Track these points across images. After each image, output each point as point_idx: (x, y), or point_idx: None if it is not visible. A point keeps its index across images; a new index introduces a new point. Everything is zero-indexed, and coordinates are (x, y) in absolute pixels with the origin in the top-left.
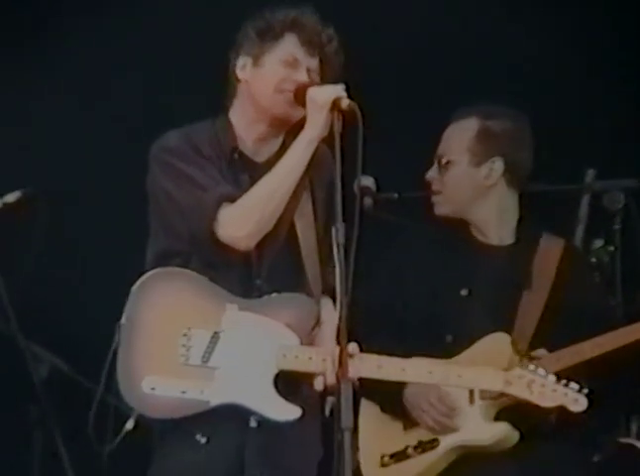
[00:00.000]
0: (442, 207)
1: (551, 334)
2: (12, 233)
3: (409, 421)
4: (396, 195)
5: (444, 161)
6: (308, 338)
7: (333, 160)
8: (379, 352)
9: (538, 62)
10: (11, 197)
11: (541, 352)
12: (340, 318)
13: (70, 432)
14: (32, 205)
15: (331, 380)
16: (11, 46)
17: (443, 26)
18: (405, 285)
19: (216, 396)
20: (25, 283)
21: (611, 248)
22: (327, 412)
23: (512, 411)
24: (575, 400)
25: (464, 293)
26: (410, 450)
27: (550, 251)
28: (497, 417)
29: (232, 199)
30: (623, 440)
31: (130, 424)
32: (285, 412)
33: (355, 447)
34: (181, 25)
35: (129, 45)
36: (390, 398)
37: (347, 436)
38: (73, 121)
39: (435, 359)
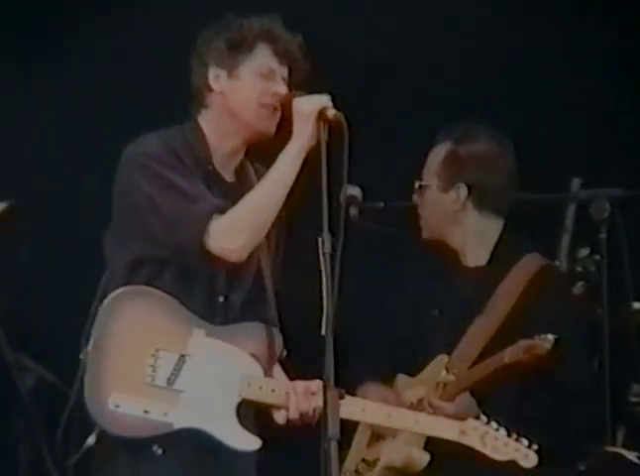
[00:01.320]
0: (424, 231)
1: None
2: None
3: (374, 438)
4: (382, 205)
5: (417, 185)
6: (271, 369)
7: (316, 171)
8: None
9: (522, 72)
10: None
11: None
12: (326, 328)
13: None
14: (16, 217)
15: (293, 415)
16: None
17: (431, 36)
18: (389, 302)
19: (179, 419)
20: (10, 294)
21: (597, 257)
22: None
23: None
24: (525, 455)
25: (435, 312)
26: (360, 467)
27: (522, 272)
28: (428, 442)
29: (222, 211)
30: (610, 449)
31: (92, 440)
32: (246, 442)
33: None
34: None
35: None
36: None
37: (333, 446)
38: (58, 132)
39: (396, 406)
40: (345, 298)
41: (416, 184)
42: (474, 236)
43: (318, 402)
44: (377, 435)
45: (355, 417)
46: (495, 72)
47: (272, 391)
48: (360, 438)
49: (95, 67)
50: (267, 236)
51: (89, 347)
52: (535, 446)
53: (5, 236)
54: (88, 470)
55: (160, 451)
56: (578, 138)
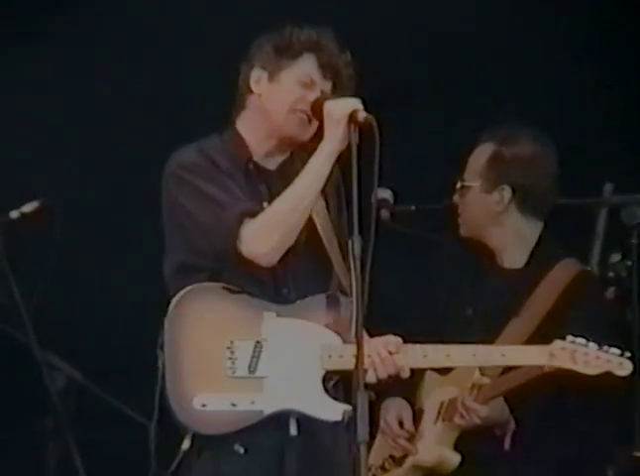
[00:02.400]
0: (463, 229)
1: None
2: (29, 243)
3: None
4: (414, 208)
5: (460, 185)
6: (348, 336)
7: (347, 174)
8: None
9: (556, 77)
10: (28, 208)
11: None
12: (356, 330)
13: (86, 443)
14: (49, 215)
15: (381, 374)
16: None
17: (463, 38)
18: (420, 302)
19: (268, 404)
20: (42, 293)
21: (629, 262)
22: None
23: (471, 436)
24: (619, 364)
25: (469, 312)
26: (387, 464)
27: (559, 277)
28: (458, 442)
29: (253, 215)
30: (637, 454)
31: (186, 444)
32: (337, 411)
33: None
34: (192, 36)
35: (140, 60)
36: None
37: (362, 450)
38: (89, 132)
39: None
40: (375, 301)
41: (458, 184)
42: (513, 238)
43: (401, 359)
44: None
45: (419, 365)
46: (529, 77)
47: (354, 356)
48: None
49: (135, 74)
50: (332, 220)
51: (164, 351)
52: (628, 354)
53: (35, 235)
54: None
55: (242, 450)
56: (610, 143)
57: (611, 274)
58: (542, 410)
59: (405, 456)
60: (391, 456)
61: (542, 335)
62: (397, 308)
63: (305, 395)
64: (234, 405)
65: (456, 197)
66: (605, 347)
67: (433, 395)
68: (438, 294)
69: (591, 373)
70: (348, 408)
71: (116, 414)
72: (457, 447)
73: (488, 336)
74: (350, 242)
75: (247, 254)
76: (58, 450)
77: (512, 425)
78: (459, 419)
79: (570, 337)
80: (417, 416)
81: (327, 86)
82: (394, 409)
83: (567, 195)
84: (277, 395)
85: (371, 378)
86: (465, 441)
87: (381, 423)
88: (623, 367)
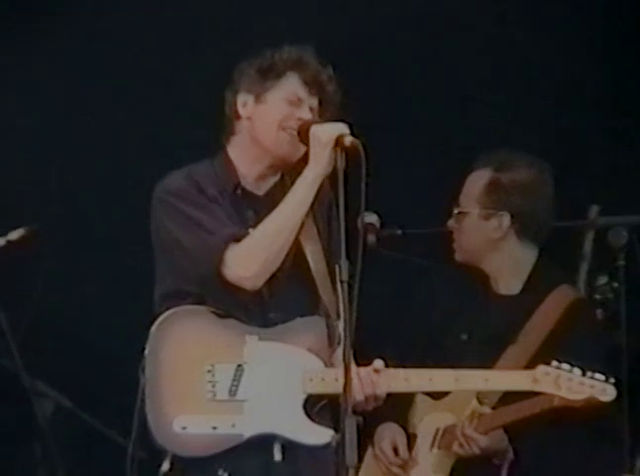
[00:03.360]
0: (458, 255)
1: None
2: (16, 270)
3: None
4: (400, 232)
5: (456, 211)
6: (330, 360)
7: (333, 193)
8: None
9: (539, 98)
10: (14, 235)
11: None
12: (344, 355)
13: (74, 470)
14: (35, 242)
15: (360, 397)
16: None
17: (449, 61)
18: (409, 326)
19: (248, 428)
20: (29, 320)
21: (615, 284)
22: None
23: (467, 464)
24: (603, 389)
25: (464, 337)
26: None
27: (555, 304)
28: (454, 469)
29: (238, 239)
30: None
31: (166, 466)
32: (319, 435)
33: None
34: (180, 60)
35: (130, 82)
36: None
37: (351, 474)
38: (73, 155)
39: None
40: (363, 324)
41: (455, 211)
42: (510, 264)
43: (381, 382)
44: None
45: (401, 389)
46: (514, 100)
47: (336, 380)
48: (371, 462)
49: (114, 93)
50: (321, 242)
51: (145, 373)
52: (612, 380)
53: (23, 262)
54: None
55: (225, 475)
56: (596, 165)
57: (598, 296)
58: (539, 440)
59: None
60: None
61: (538, 362)
62: (383, 334)
63: (286, 418)
64: (214, 428)
65: (451, 223)
66: (589, 373)
67: (427, 420)
68: (431, 319)
69: (575, 398)
70: (331, 432)
71: (105, 440)
72: (453, 475)
73: (484, 362)
74: (337, 267)
75: (231, 278)
76: None
77: (511, 455)
78: (457, 448)
79: (554, 362)
80: (410, 441)
81: (314, 103)
82: (389, 435)
83: (553, 217)
84: (258, 418)
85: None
86: (461, 469)
87: (376, 450)
88: (607, 393)
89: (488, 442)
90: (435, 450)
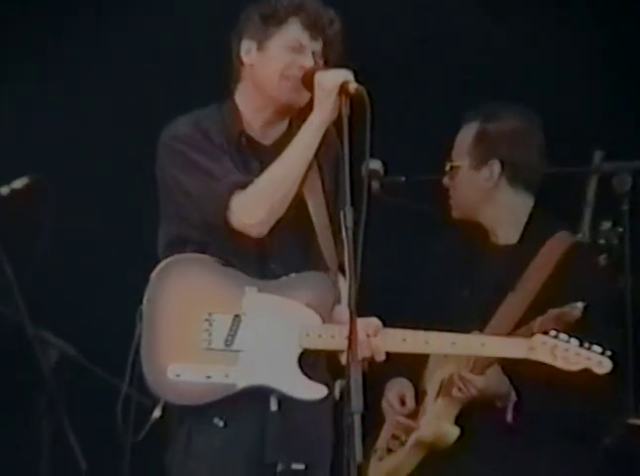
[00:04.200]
0: (455, 211)
1: None
2: (20, 219)
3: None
4: (404, 179)
5: (449, 166)
6: (329, 316)
7: (340, 142)
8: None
9: (539, 45)
10: (18, 183)
11: None
12: (350, 302)
13: (80, 419)
14: (39, 191)
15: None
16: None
17: (453, 15)
18: (415, 281)
19: (242, 378)
20: (34, 269)
21: (620, 230)
22: (337, 395)
23: (472, 410)
24: (599, 362)
25: (465, 292)
26: (391, 444)
27: (553, 250)
28: (460, 415)
29: (244, 187)
30: (632, 422)
31: (157, 412)
32: (312, 391)
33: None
34: (182, 10)
35: (129, 31)
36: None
37: (357, 420)
38: (76, 107)
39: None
40: (367, 274)
41: (447, 166)
42: (506, 214)
43: (379, 342)
44: (409, 414)
45: (397, 349)
46: (513, 47)
47: (332, 337)
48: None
49: (116, 45)
50: (325, 196)
51: (142, 318)
52: (608, 352)
53: (27, 211)
54: (152, 444)
55: (221, 424)
56: (599, 110)
57: (602, 241)
58: (542, 380)
59: (408, 435)
60: (394, 436)
61: (538, 308)
62: (389, 283)
63: (280, 372)
64: (208, 377)
65: (446, 180)
66: (587, 344)
67: (435, 375)
68: (433, 277)
69: (570, 369)
70: (325, 388)
71: (110, 388)
72: (459, 422)
73: (486, 315)
74: (342, 213)
75: (237, 225)
76: (52, 426)
77: (513, 397)
78: (456, 392)
79: (552, 332)
80: (420, 398)
81: (317, 47)
82: (396, 387)
83: (557, 163)
84: (252, 370)
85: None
86: (466, 416)
87: (383, 402)
88: (602, 365)
89: (486, 383)
90: (439, 399)
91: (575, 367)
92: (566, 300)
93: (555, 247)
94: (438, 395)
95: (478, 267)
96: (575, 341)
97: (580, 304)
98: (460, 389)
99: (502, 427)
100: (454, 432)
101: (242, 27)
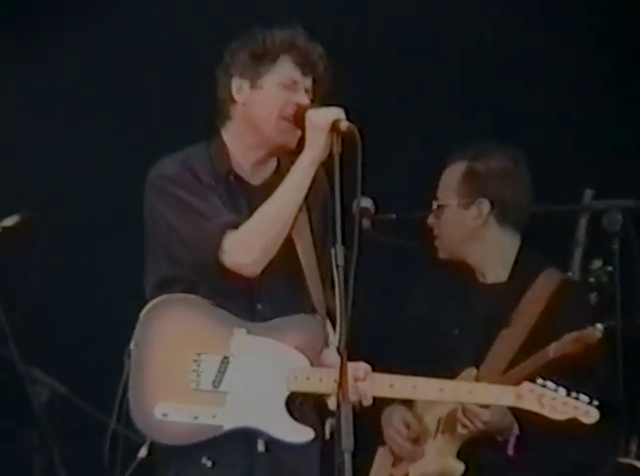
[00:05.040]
0: (441, 252)
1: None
2: (11, 257)
3: (397, 459)
4: (394, 217)
5: (435, 205)
6: (317, 359)
7: (329, 183)
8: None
9: (535, 85)
10: (9, 221)
11: None
12: (340, 340)
13: (71, 456)
14: (31, 229)
15: None
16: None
17: (446, 51)
18: (405, 320)
19: (229, 420)
20: (25, 307)
21: (610, 268)
22: (327, 434)
23: (473, 445)
24: (586, 412)
25: (456, 332)
26: None
27: (543, 287)
28: (460, 452)
29: (236, 226)
30: (623, 461)
31: (143, 452)
32: (299, 433)
33: None
34: (166, 46)
35: (122, 69)
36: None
37: (347, 459)
38: (69, 143)
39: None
40: (358, 313)
41: (433, 205)
42: (494, 252)
43: (365, 388)
44: (400, 457)
45: (385, 394)
46: (508, 85)
47: (320, 380)
48: (382, 461)
49: (117, 82)
50: (314, 239)
51: (130, 358)
52: (596, 402)
53: (19, 248)
54: None
55: (209, 464)
56: (590, 149)
57: (593, 280)
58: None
59: (407, 475)
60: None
61: (532, 344)
62: (379, 321)
63: (267, 414)
64: (195, 417)
65: (431, 219)
66: (574, 393)
67: (430, 413)
68: (422, 316)
69: (558, 418)
70: (312, 431)
71: (100, 426)
72: (460, 458)
73: (478, 352)
74: (333, 251)
75: (229, 265)
76: (44, 464)
77: (516, 430)
78: (462, 429)
79: (539, 380)
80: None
81: (308, 83)
82: (398, 413)
83: (547, 202)
84: (239, 411)
85: (333, 404)
86: (468, 451)
87: (387, 429)
88: (590, 415)
89: (491, 416)
90: (439, 436)
91: (562, 416)
92: (558, 338)
93: (544, 285)
94: (437, 431)
95: (467, 305)
96: (562, 390)
97: (600, 326)
98: (465, 425)
99: (504, 461)
100: (459, 468)
101: (229, 64)
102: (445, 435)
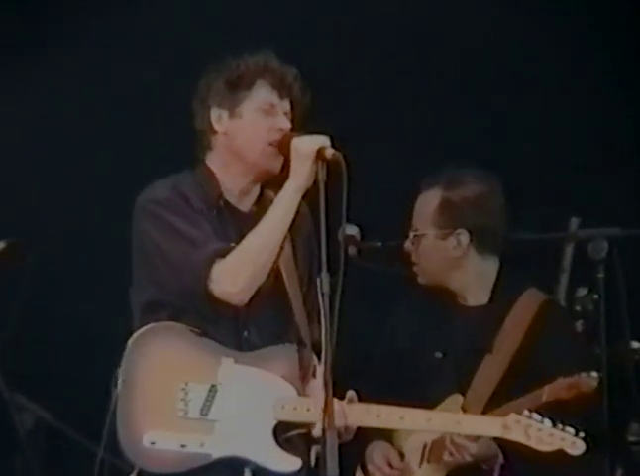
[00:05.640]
0: (421, 277)
1: (517, 394)
2: None
3: None
4: (380, 244)
5: (412, 234)
6: (304, 389)
7: (314, 210)
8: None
9: (519, 112)
10: None
11: None
12: (325, 369)
13: None
14: (17, 255)
15: None
16: None
17: (429, 76)
18: (392, 344)
19: (217, 449)
20: (9, 333)
21: (595, 296)
22: (312, 461)
23: (458, 471)
24: (572, 443)
25: (438, 355)
26: None
27: (525, 309)
28: None
29: (224, 255)
30: None
31: None
32: (286, 463)
33: None
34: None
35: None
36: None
37: None
38: (57, 168)
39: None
40: (344, 340)
41: (410, 234)
42: (475, 278)
43: (352, 416)
44: None
45: (372, 424)
46: (492, 112)
47: (308, 410)
48: None
49: (101, 107)
50: (297, 269)
51: (118, 387)
52: (582, 434)
53: (4, 274)
54: None
55: None
56: (576, 177)
57: (578, 308)
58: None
59: None
60: None
61: (517, 369)
62: (365, 348)
63: (255, 443)
64: (183, 446)
65: (408, 245)
66: (560, 425)
67: (412, 438)
68: (403, 341)
69: (544, 449)
70: (299, 461)
71: (85, 453)
72: None
73: (461, 376)
74: (318, 279)
75: (217, 293)
76: None
77: (500, 459)
78: (448, 458)
79: (526, 412)
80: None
81: (286, 106)
82: (380, 450)
83: (533, 230)
84: (227, 440)
85: (318, 431)
86: None
87: (369, 467)
88: (576, 446)
89: (478, 449)
90: (425, 465)
91: (548, 448)
92: (542, 361)
93: (526, 306)
94: (422, 460)
95: (449, 329)
96: (548, 422)
97: (595, 374)
98: (452, 454)
99: None
100: None
101: (205, 94)
102: (431, 464)
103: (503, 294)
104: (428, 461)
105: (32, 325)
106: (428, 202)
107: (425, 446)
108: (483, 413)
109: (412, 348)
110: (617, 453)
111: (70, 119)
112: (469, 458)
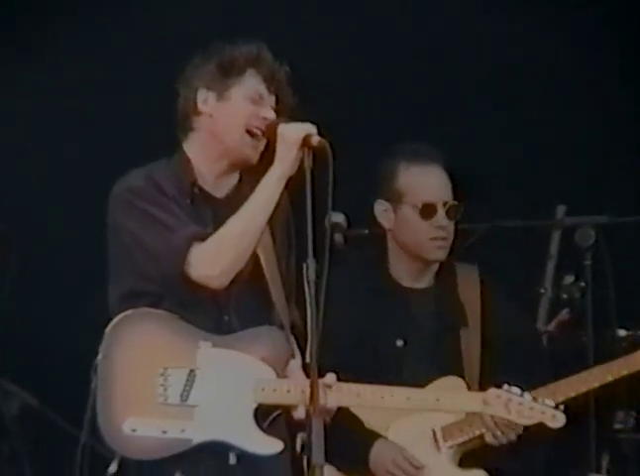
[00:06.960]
0: (444, 252)
1: (492, 370)
2: None
3: None
4: (367, 231)
5: (449, 205)
6: (283, 371)
7: (300, 198)
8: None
9: (509, 100)
10: None
11: None
12: (310, 354)
13: (42, 468)
14: (2, 242)
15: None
16: None
17: (415, 64)
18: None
19: (198, 434)
20: None
21: (582, 284)
22: (298, 447)
23: (475, 454)
24: (552, 416)
25: (399, 344)
26: None
27: (469, 282)
28: (461, 463)
29: (201, 238)
30: None
31: (113, 468)
32: (268, 445)
33: None
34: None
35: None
36: (355, 458)
37: (318, 473)
38: (42, 158)
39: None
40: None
41: (449, 204)
42: None
43: (332, 396)
44: None
45: (352, 404)
46: (484, 99)
47: (288, 391)
48: None
49: (86, 98)
50: (276, 253)
51: (97, 374)
52: (562, 407)
53: None
54: None
55: None
56: (563, 165)
57: (565, 295)
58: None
59: None
60: None
61: (487, 341)
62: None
63: (236, 426)
64: (164, 432)
65: (445, 221)
66: (541, 399)
67: (408, 432)
68: (365, 328)
69: (525, 423)
70: (281, 443)
71: (71, 439)
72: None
73: (423, 360)
74: (305, 266)
75: (196, 277)
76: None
77: None
78: (491, 439)
79: (505, 386)
80: None
81: (272, 100)
82: (394, 450)
83: (520, 217)
84: (208, 424)
85: (300, 414)
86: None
87: (390, 468)
88: (556, 419)
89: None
90: (445, 449)
91: (529, 421)
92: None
93: (468, 279)
94: (438, 444)
95: (406, 315)
96: (528, 395)
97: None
98: (495, 436)
99: None
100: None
101: (193, 76)
102: (452, 449)
103: (442, 273)
104: (449, 447)
105: (16, 312)
106: (443, 175)
107: (434, 431)
108: (480, 386)
109: (369, 337)
110: (603, 441)
111: (58, 114)
112: (514, 437)
